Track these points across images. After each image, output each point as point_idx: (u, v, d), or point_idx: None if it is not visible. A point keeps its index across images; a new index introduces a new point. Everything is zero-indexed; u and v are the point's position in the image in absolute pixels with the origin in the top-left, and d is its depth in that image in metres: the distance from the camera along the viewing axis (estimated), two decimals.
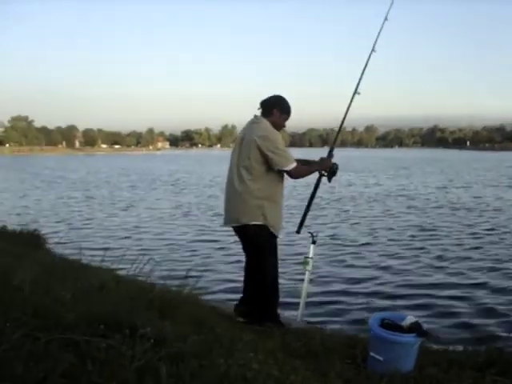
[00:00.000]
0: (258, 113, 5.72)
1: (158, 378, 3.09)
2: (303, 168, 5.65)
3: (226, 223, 5.82)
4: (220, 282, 8.95)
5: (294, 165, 5.50)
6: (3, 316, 3.62)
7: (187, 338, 3.83)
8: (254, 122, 5.61)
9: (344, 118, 6.03)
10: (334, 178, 5.83)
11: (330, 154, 5.86)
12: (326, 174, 5.82)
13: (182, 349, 3.52)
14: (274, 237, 5.63)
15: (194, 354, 3.50)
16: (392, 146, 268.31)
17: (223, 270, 9.85)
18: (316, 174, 5.87)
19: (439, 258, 11.57)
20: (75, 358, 3.14)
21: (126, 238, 13.69)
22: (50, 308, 3.83)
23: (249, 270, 5.85)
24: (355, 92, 5.88)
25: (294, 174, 5.52)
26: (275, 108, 5.67)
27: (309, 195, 5.92)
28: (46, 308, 3.83)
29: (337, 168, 5.81)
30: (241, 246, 5.97)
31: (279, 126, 5.69)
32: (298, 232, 5.89)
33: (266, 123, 5.56)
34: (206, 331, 4.39)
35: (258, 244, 5.56)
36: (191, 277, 6.45)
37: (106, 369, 3.06)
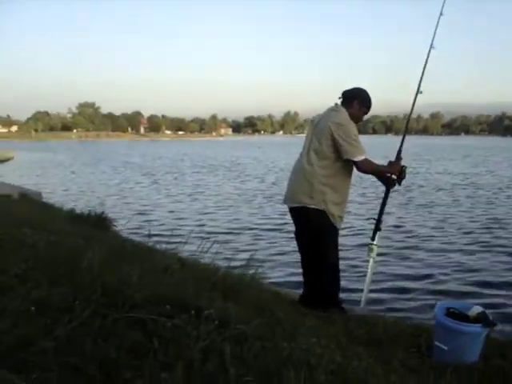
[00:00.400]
0: (339, 102, 5.70)
1: (222, 358, 3.13)
2: (372, 163, 5.58)
3: (286, 202, 5.81)
4: (282, 268, 8.99)
5: (364, 157, 5.45)
6: (73, 294, 3.75)
7: (250, 321, 3.87)
8: (333, 109, 5.60)
9: (408, 120, 5.98)
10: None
11: (399, 157, 5.77)
12: (395, 178, 5.75)
13: (246, 331, 3.56)
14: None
15: (257, 336, 3.53)
16: (458, 134, 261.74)
17: (286, 255, 9.87)
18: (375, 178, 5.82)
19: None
20: (142, 336, 3.23)
21: (190, 221, 13.88)
22: (117, 288, 3.93)
23: (305, 256, 5.83)
24: (418, 92, 5.74)
25: (361, 167, 5.46)
26: (356, 99, 5.65)
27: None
28: (113, 288, 3.93)
29: (405, 171, 5.74)
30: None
31: (357, 118, 5.65)
32: (372, 239, 5.85)
33: (344, 113, 5.55)
34: (268, 315, 4.42)
35: (318, 228, 5.52)
36: (254, 260, 6.47)
37: (172, 348, 3.12)
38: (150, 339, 3.19)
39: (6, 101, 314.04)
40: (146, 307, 3.59)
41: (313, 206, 5.45)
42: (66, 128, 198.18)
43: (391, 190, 5.85)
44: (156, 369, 2.89)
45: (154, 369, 2.88)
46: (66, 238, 6.11)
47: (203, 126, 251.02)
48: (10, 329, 2.97)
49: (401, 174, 5.71)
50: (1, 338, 2.83)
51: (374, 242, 5.85)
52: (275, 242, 11.44)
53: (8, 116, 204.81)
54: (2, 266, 4.19)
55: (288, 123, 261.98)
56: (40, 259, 4.60)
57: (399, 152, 5.78)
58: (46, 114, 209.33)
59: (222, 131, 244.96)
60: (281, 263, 9.34)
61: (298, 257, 7.56)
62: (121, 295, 3.76)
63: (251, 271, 5.88)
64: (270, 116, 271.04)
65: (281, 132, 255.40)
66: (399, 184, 5.79)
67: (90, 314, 3.35)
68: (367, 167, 5.52)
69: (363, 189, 22.55)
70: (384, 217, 5.87)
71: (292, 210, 5.74)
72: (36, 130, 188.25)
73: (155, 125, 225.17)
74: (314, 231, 5.55)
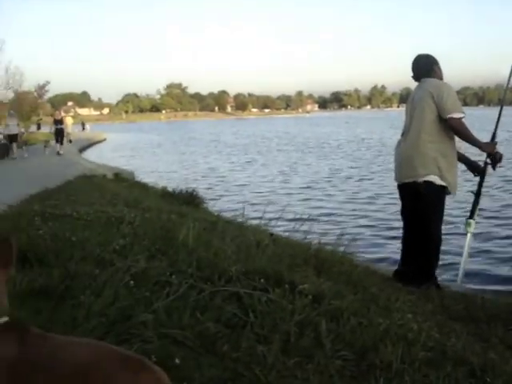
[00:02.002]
0: (413, 80, 5.70)
1: (317, 333, 3.13)
2: (468, 129, 5.43)
3: (397, 178, 5.76)
4: (375, 243, 8.87)
5: (463, 116, 5.34)
6: (170, 268, 3.84)
7: (344, 297, 3.84)
8: (423, 81, 5.54)
9: (505, 94, 5.74)
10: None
11: (494, 141, 5.57)
12: (489, 161, 5.55)
13: (340, 306, 3.53)
14: (444, 196, 5.48)
15: (351, 312, 3.50)
16: None
17: (379, 231, 9.74)
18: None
19: None
20: (238, 309, 3.27)
21: (282, 199, 13.91)
22: (212, 262, 3.99)
23: (410, 230, 5.72)
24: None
25: (457, 125, 5.30)
26: (433, 65, 5.61)
27: None
28: (208, 262, 4.00)
29: (501, 157, 5.53)
30: (398, 208, 5.86)
31: (442, 80, 5.62)
32: (471, 215, 5.71)
33: (434, 79, 5.51)
34: (362, 291, 4.37)
35: (428, 202, 5.42)
36: (346, 236, 6.41)
37: (268, 321, 3.14)
38: (246, 312, 3.22)
39: (97, 84, 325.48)
40: (240, 281, 3.63)
41: (424, 179, 5.36)
42: (155, 109, 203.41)
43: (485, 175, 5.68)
44: (253, 342, 2.92)
45: (250, 342, 2.91)
46: (160, 215, 6.27)
47: (289, 102, 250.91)
48: (112, 301, 3.08)
49: (495, 157, 5.51)
50: (104, 311, 2.94)
51: (473, 218, 5.68)
52: (368, 218, 11.29)
53: (99, 99, 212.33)
54: (101, 241, 4.36)
55: (375, 97, 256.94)
56: (137, 235, 4.76)
57: (493, 135, 5.59)
58: (136, 96, 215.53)
59: (308, 107, 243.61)
60: (373, 238, 9.23)
61: (390, 233, 7.41)
62: (216, 269, 3.81)
63: (343, 246, 5.84)
64: (356, 90, 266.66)
65: (368, 106, 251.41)
66: (493, 168, 5.59)
67: (187, 288, 3.42)
68: (462, 128, 5.36)
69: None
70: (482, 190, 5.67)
71: (402, 186, 5.67)
72: (126, 112, 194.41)
73: (241, 103, 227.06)
74: (424, 205, 5.45)
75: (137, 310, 3.01)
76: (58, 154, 22.42)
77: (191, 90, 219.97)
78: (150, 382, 1.35)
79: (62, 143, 23.54)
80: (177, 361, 2.52)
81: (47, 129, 27.08)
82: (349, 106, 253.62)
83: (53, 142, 23.55)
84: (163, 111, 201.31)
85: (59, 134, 23.11)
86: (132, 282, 3.39)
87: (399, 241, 6.03)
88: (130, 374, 1.35)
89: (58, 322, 2.74)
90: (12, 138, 21.47)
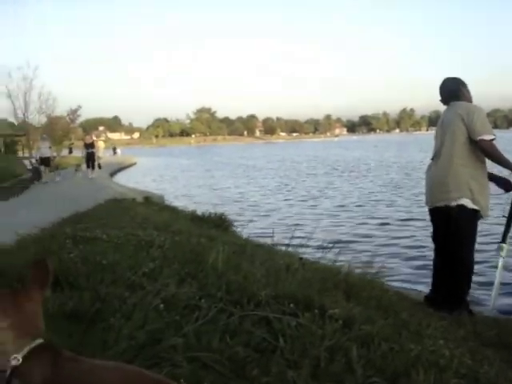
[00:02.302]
0: (441, 103, 5.69)
1: (348, 358, 3.09)
2: (499, 151, 5.38)
3: (428, 203, 5.72)
4: (405, 267, 8.77)
5: (493, 137, 5.30)
6: (200, 292, 3.84)
7: (375, 322, 3.80)
8: (453, 105, 5.52)
9: None
10: None
11: None
12: None
13: (371, 332, 3.50)
14: (477, 219, 5.42)
15: (382, 337, 3.46)
16: None
17: (409, 256, 9.62)
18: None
19: None
20: (267, 333, 3.25)
21: (311, 223, 13.86)
22: (241, 286, 3.99)
23: (441, 255, 5.66)
24: None
25: (488, 147, 5.26)
26: (462, 88, 5.60)
27: None
28: (238, 285, 3.99)
29: None
30: (429, 232, 5.81)
31: (471, 102, 5.59)
32: (503, 239, 5.66)
33: (463, 102, 5.49)
34: (393, 316, 4.32)
35: (461, 226, 5.36)
36: (377, 258, 6.37)
37: (298, 346, 3.12)
38: (276, 337, 3.20)
39: (128, 109, 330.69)
40: (270, 305, 3.62)
41: (457, 203, 5.32)
42: (185, 133, 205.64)
43: None
44: (282, 366, 2.90)
45: (280, 366, 2.89)
46: (190, 238, 6.29)
47: (317, 126, 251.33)
48: (142, 325, 3.09)
49: None
50: (133, 334, 2.95)
51: (505, 242, 5.61)
52: (398, 243, 11.18)
53: (130, 124, 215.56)
54: (132, 264, 4.39)
55: (404, 120, 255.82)
56: (167, 258, 4.78)
57: None
58: (166, 120, 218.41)
59: (337, 131, 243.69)
60: (403, 263, 9.12)
61: (421, 257, 7.31)
62: (245, 293, 3.81)
63: (372, 271, 5.80)
64: (384, 114, 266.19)
65: (397, 130, 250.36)
66: None
67: (216, 312, 3.42)
68: (493, 150, 5.32)
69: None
70: None
71: (434, 210, 5.63)
72: (156, 136, 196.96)
73: (270, 127, 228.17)
74: (456, 229, 5.40)
75: (166, 334, 3.02)
76: (90, 178, 22.34)
77: (220, 115, 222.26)
78: None
79: (93, 167, 23.51)
80: None
81: (79, 153, 27.28)
82: (377, 130, 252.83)
83: (84, 166, 23.59)
84: (193, 135, 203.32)
85: (90, 159, 23.04)
86: (162, 305, 3.40)
87: (430, 265, 5.97)
88: None
89: (89, 345, 2.76)
90: (44, 162, 21.60)
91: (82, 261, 4.40)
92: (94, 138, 26.31)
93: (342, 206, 17.77)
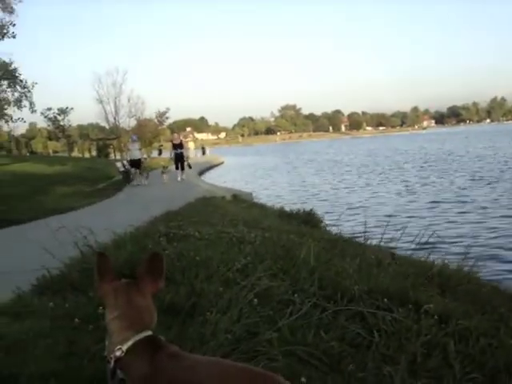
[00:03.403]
0: None
1: (445, 354, 3.04)
2: None
3: None
4: (503, 262, 8.47)
5: None
6: (292, 287, 3.87)
7: (472, 316, 3.71)
8: None
9: None
10: None
11: None
12: None
13: (468, 327, 3.41)
14: None
15: (481, 332, 3.38)
16: None
17: (506, 250, 9.28)
18: None
19: None
20: (362, 328, 3.24)
21: (401, 217, 13.59)
22: (334, 281, 3.99)
23: None
24: None
25: None
26: None
27: None
28: (330, 281, 4.00)
29: None
30: None
31: None
32: None
33: None
34: (490, 310, 4.20)
35: None
36: (472, 252, 6.18)
37: (393, 341, 3.09)
38: (370, 332, 3.19)
39: (213, 110, 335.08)
40: (363, 300, 3.60)
41: None
42: (270, 131, 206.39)
43: None
44: (378, 362, 2.88)
45: (376, 361, 2.87)
46: (280, 235, 6.33)
47: (404, 119, 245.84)
48: (237, 319, 3.15)
49: None
50: (230, 328, 3.01)
51: None
52: (494, 235, 10.79)
53: (216, 124, 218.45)
54: (224, 260, 4.47)
55: (495, 110, 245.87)
56: (258, 254, 4.83)
57: None
58: (251, 119, 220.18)
59: (425, 123, 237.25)
60: (500, 257, 8.80)
61: None
62: (338, 288, 3.81)
63: (467, 265, 5.64)
64: (474, 104, 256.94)
65: (487, 120, 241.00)
66: None
67: (309, 307, 3.44)
68: None
69: None
70: None
71: None
72: (242, 135, 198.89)
73: (355, 122, 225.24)
74: None
75: (262, 328, 3.06)
76: (180, 180, 21.00)
77: (305, 111, 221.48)
78: None
79: (182, 169, 21.71)
80: (303, 379, 2.53)
81: (168, 154, 27.07)
82: (467, 121, 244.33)
83: (172, 168, 22.31)
84: (278, 133, 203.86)
85: (179, 160, 21.38)
86: (256, 300, 3.45)
87: None
88: None
89: (187, 338, 2.84)
90: (134, 164, 21.10)
91: (176, 257, 4.53)
92: (182, 139, 25.26)
93: (436, 201, 17.29)
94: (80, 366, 2.64)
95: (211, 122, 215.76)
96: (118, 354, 1.47)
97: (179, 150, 21.32)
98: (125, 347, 1.48)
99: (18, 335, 3.08)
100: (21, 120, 30.25)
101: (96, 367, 2.57)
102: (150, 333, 1.54)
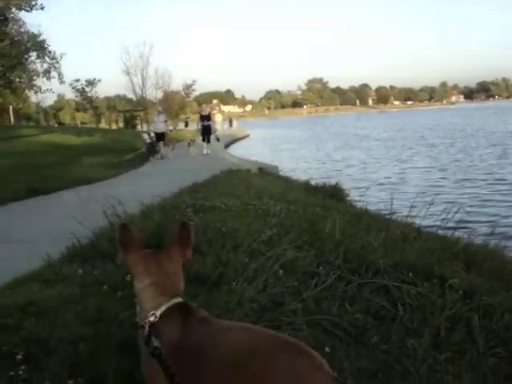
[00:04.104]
0: None
1: (469, 329, 3.05)
2: None
3: None
4: None
5: None
6: (317, 259, 3.90)
7: (497, 293, 3.70)
8: None
9: None
10: None
11: None
12: None
13: (493, 303, 3.42)
14: None
15: (505, 308, 3.38)
16: None
17: None
18: None
19: None
20: (386, 301, 3.26)
21: (428, 194, 13.46)
22: (359, 254, 4.00)
23: None
24: None
25: None
26: None
27: None
28: (355, 254, 4.01)
29: None
30: None
31: None
32: None
33: None
34: None
35: None
36: (498, 229, 6.14)
37: (417, 315, 3.11)
38: (395, 305, 3.21)
39: (240, 82, 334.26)
40: (388, 274, 3.62)
41: None
42: (297, 104, 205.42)
43: None
44: (402, 335, 2.91)
45: (400, 334, 2.90)
46: (305, 208, 6.34)
47: (433, 94, 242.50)
48: (263, 289, 3.19)
49: None
50: (255, 297, 3.05)
51: None
52: None
53: (243, 97, 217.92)
54: (250, 232, 4.50)
55: None
56: (284, 226, 4.86)
57: None
58: (277, 92, 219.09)
59: (453, 99, 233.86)
60: None
61: None
62: (363, 261, 3.82)
63: (493, 242, 5.61)
64: (504, 79, 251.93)
65: None
66: None
67: (334, 279, 3.47)
68: None
69: None
70: None
71: None
72: (269, 108, 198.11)
73: (383, 96, 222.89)
74: None
75: (286, 298, 3.10)
76: (206, 153, 20.34)
77: (332, 85, 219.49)
78: (310, 366, 1.38)
79: (209, 141, 21.06)
80: (327, 349, 2.57)
81: (195, 126, 26.69)
82: (497, 96, 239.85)
83: (199, 139, 21.76)
84: (304, 106, 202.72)
85: (207, 132, 20.69)
86: (281, 271, 3.48)
87: None
88: (290, 357, 1.40)
89: (213, 307, 2.89)
90: (159, 137, 20.46)
91: (203, 228, 4.56)
92: (209, 110, 24.07)
93: (465, 179, 17.09)
94: (108, 332, 2.70)
95: (238, 95, 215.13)
96: (151, 319, 1.53)
97: (206, 122, 20.79)
98: (158, 312, 1.54)
99: (49, 301, 3.15)
100: (49, 91, 30.57)
101: (124, 333, 2.63)
102: (180, 299, 1.59)
